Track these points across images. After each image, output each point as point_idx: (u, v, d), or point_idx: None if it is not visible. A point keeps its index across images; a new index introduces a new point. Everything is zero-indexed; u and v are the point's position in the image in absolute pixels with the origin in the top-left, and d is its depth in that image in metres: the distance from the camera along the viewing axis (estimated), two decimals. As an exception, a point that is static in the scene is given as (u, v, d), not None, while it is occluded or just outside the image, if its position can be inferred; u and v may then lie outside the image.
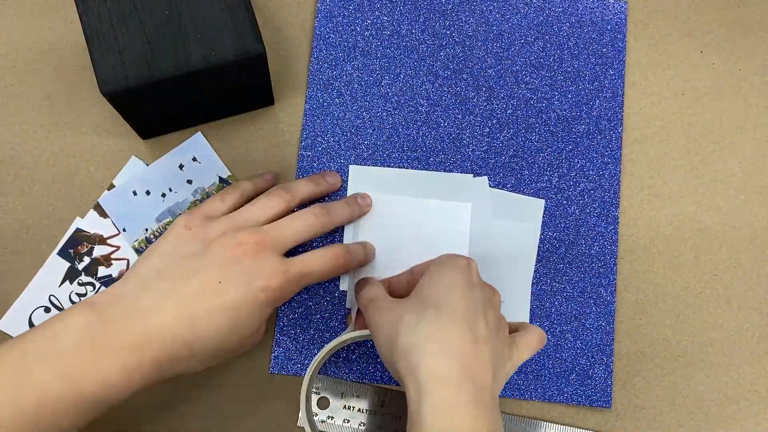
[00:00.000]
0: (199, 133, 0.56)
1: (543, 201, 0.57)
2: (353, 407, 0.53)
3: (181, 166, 0.56)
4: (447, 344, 0.40)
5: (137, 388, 0.42)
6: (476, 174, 0.57)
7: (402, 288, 0.52)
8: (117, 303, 0.42)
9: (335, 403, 0.53)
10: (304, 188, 0.52)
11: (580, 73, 0.60)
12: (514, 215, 0.57)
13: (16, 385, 0.39)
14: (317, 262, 0.48)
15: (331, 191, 0.55)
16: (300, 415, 0.49)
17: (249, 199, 0.51)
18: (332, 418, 0.53)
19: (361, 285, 0.51)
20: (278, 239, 0.46)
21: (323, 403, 0.53)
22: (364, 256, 0.52)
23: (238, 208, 0.49)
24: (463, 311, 0.41)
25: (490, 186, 0.57)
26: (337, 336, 0.54)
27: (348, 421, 0.53)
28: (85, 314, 0.41)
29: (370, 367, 0.54)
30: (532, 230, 0.57)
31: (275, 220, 0.49)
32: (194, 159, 0.56)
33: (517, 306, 0.56)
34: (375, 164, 0.57)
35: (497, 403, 0.41)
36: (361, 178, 0.56)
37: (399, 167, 0.57)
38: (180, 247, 0.45)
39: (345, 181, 0.56)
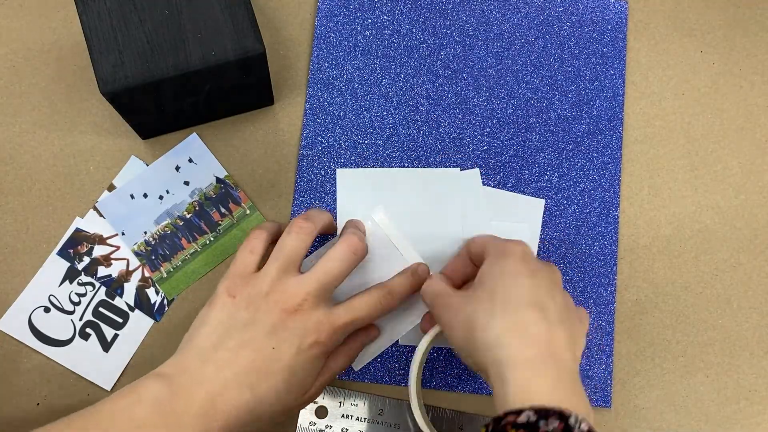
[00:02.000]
0: (195, 133, 0.56)
1: (543, 201, 0.57)
2: (351, 416, 0.53)
3: (177, 168, 0.56)
4: (524, 334, 0.41)
5: None
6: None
7: (460, 273, 0.52)
8: (182, 374, 0.44)
9: (333, 412, 0.53)
10: (321, 216, 0.52)
11: (581, 73, 0.60)
12: (513, 215, 0.57)
13: None
14: (362, 307, 0.49)
15: (329, 231, 0.54)
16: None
17: (277, 237, 0.50)
18: (330, 427, 0.53)
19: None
20: (320, 292, 0.47)
21: (321, 413, 0.53)
22: (410, 288, 0.52)
23: (269, 250, 0.49)
24: (532, 300, 0.43)
25: (490, 186, 0.57)
26: None
27: (347, 430, 0.53)
28: (155, 386, 0.43)
29: (370, 366, 0.54)
30: (532, 230, 0.57)
31: (309, 245, 0.49)
32: (190, 160, 0.56)
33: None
34: (375, 164, 0.57)
35: (579, 380, 0.42)
36: (348, 181, 0.56)
37: (399, 167, 0.57)
38: (229, 317, 0.46)
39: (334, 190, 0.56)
